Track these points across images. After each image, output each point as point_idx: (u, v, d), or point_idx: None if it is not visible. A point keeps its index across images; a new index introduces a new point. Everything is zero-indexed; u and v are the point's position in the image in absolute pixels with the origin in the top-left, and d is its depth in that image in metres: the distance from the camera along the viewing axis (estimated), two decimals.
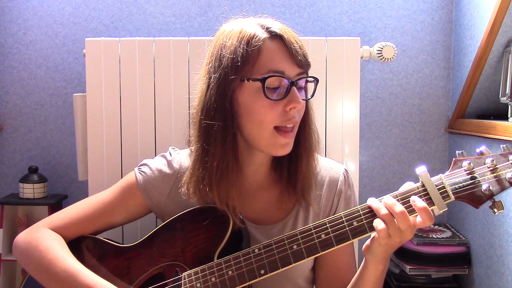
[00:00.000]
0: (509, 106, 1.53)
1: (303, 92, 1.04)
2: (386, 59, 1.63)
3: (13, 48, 1.93)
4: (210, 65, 1.03)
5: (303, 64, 1.01)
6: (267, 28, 1.00)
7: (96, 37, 1.61)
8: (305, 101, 1.04)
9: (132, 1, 1.90)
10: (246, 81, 0.98)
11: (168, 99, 1.56)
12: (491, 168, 0.92)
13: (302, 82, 1.03)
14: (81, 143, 1.61)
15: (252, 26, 1.00)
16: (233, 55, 0.98)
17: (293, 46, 0.99)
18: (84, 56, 1.58)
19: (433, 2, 1.91)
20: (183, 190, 1.08)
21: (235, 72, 0.98)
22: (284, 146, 1.02)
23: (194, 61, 1.55)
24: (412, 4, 1.91)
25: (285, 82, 0.99)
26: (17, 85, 1.94)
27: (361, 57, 1.63)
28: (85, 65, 1.58)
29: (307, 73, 1.03)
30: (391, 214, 0.92)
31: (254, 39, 0.97)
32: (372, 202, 0.96)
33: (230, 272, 0.98)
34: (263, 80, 0.97)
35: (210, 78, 1.02)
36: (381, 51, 1.62)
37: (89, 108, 1.57)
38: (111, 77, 1.56)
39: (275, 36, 0.99)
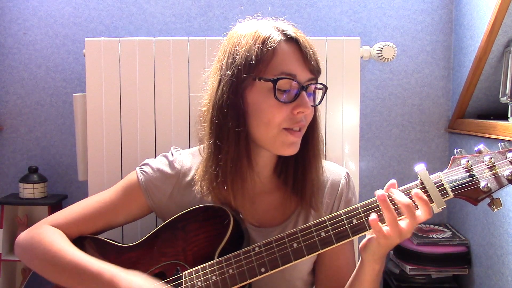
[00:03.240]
0: (509, 106, 1.53)
1: (312, 97, 1.04)
2: (386, 59, 1.64)
3: (13, 48, 1.93)
4: (223, 61, 1.03)
5: (314, 70, 1.02)
6: (283, 31, 1.01)
7: (96, 37, 1.61)
8: (313, 107, 1.05)
9: (132, 1, 1.91)
10: (257, 81, 0.99)
11: (168, 99, 1.56)
12: (489, 166, 0.93)
13: (311, 88, 1.03)
14: (81, 143, 1.61)
15: (268, 28, 1.01)
16: (248, 53, 0.98)
17: (308, 50, 1.00)
18: (84, 56, 1.58)
19: (433, 2, 1.92)
20: (196, 188, 1.08)
21: (247, 71, 0.98)
22: (291, 145, 1.02)
23: (194, 61, 1.55)
24: (412, 4, 1.92)
25: (296, 85, 0.99)
26: (17, 85, 1.94)
27: (361, 57, 1.63)
28: (85, 65, 1.58)
29: (317, 80, 1.04)
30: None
31: (269, 40, 0.98)
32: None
33: (230, 271, 0.98)
34: (274, 81, 0.97)
35: (222, 75, 1.02)
36: (381, 51, 1.63)
37: (89, 108, 1.56)
38: (111, 77, 1.56)
39: (290, 39, 1.00)
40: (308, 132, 1.06)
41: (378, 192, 0.94)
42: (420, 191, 0.92)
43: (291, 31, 1.01)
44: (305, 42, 1.01)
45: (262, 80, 0.98)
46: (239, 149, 1.01)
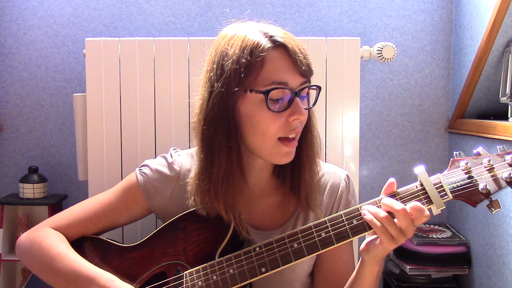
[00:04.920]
0: (509, 106, 1.53)
1: (305, 100, 1.03)
2: (386, 59, 1.64)
3: (13, 48, 1.93)
4: (212, 72, 1.00)
5: (306, 73, 0.99)
6: (271, 37, 0.98)
7: (96, 37, 1.61)
8: (307, 109, 1.03)
9: (132, 1, 1.91)
10: (249, 92, 0.97)
11: (168, 99, 1.56)
12: (488, 168, 0.93)
13: (305, 91, 1.01)
14: (81, 143, 1.61)
15: (255, 34, 0.98)
16: (236, 65, 0.96)
17: (297, 56, 0.97)
18: (84, 56, 1.58)
19: (433, 2, 1.92)
20: (190, 201, 1.07)
21: (238, 83, 0.96)
22: (286, 154, 1.01)
23: (194, 61, 1.55)
24: (412, 4, 1.92)
25: (288, 92, 0.97)
26: (17, 85, 1.94)
27: (361, 57, 1.63)
28: (85, 65, 1.58)
29: (309, 81, 1.02)
30: (390, 214, 0.92)
31: (257, 49, 0.95)
32: (368, 208, 0.95)
33: (231, 270, 0.99)
34: (266, 93, 0.96)
35: (212, 87, 0.99)
36: (381, 51, 1.63)
37: (89, 108, 1.56)
38: (111, 77, 1.56)
39: (278, 46, 0.97)
40: (302, 133, 1.05)
41: (369, 208, 0.95)
42: (418, 204, 0.91)
43: (279, 36, 0.98)
44: (294, 47, 0.98)
45: (253, 92, 0.96)
46: (231, 164, 1.00)
